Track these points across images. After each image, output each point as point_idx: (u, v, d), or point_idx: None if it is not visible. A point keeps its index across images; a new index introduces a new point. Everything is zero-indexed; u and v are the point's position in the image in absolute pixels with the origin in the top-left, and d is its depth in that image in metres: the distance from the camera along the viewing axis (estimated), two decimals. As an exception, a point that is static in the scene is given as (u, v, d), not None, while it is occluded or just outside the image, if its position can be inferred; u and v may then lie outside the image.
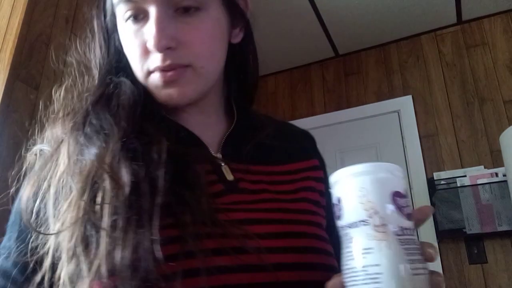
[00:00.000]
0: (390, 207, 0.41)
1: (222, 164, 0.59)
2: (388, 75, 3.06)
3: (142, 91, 0.57)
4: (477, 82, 2.76)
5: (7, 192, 0.59)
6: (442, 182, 2.57)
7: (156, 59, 0.54)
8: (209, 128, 0.64)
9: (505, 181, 2.35)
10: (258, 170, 0.62)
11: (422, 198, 2.63)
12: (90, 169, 0.49)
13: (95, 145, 0.51)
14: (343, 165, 0.41)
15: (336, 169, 0.44)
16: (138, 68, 0.57)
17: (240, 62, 0.67)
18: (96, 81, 0.60)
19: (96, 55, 0.62)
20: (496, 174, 2.45)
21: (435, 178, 2.61)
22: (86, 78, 0.61)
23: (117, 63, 0.61)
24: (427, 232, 2.54)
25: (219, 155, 0.61)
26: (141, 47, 0.55)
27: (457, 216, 2.44)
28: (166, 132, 0.54)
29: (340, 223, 0.43)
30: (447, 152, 2.69)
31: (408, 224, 0.43)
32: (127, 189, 0.47)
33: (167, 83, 0.55)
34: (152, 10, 0.54)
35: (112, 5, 0.58)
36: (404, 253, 0.39)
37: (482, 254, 2.41)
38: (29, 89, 1.64)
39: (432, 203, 2.55)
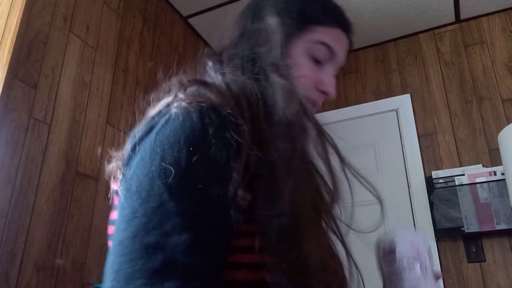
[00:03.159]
0: (427, 257, 0.65)
1: None
2: (386, 73, 3.07)
3: None
4: (475, 80, 2.77)
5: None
6: (441, 180, 2.58)
7: (319, 96, 0.72)
8: None
9: (503, 179, 2.36)
10: None
11: (420, 197, 2.63)
12: None
13: None
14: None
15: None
16: (299, 86, 0.67)
17: None
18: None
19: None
20: (495, 173, 2.45)
21: (433, 176, 2.62)
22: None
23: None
24: (426, 231, 2.55)
25: None
26: (313, 81, 0.71)
27: (455, 215, 2.45)
28: None
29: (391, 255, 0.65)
30: (446, 151, 2.70)
31: (432, 268, 0.65)
32: None
33: (312, 102, 0.72)
34: (334, 70, 0.75)
35: (299, 26, 0.71)
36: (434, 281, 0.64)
37: (480, 252, 2.42)
38: (28, 88, 1.64)
39: (431, 202, 2.55)
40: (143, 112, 0.63)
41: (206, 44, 3.07)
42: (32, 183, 1.59)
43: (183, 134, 0.50)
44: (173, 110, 0.53)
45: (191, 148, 0.48)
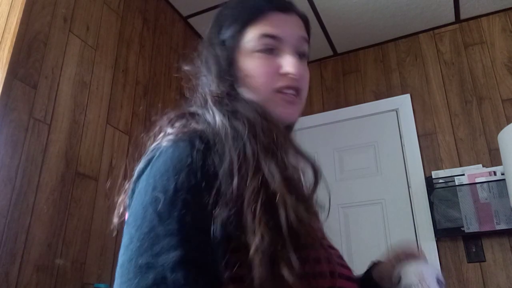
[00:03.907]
0: (435, 283, 0.69)
1: None
2: (386, 73, 3.07)
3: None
4: (475, 80, 2.77)
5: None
6: (441, 180, 2.58)
7: (285, 80, 0.72)
8: None
9: (503, 179, 2.36)
10: None
11: (420, 197, 2.63)
12: None
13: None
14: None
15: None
16: (264, 86, 0.72)
17: None
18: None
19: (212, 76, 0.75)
20: (494, 173, 2.45)
21: (433, 176, 2.62)
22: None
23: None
24: (426, 231, 2.55)
25: None
26: (272, 71, 0.72)
27: (455, 215, 2.45)
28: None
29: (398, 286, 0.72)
30: (445, 151, 2.70)
31: None
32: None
33: (288, 102, 0.72)
34: (289, 50, 0.74)
35: (234, 39, 0.75)
36: None
37: (480, 252, 2.42)
38: (27, 88, 1.64)
39: (430, 202, 2.55)
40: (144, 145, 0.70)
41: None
42: (32, 183, 1.59)
43: (172, 164, 0.56)
44: (164, 143, 0.60)
45: (177, 176, 0.54)
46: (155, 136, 0.66)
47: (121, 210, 0.68)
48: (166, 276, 0.48)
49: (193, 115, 0.67)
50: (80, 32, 1.96)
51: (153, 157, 0.60)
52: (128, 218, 0.56)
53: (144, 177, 0.58)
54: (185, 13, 2.83)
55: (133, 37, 2.33)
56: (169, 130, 0.63)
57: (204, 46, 0.79)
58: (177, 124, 0.64)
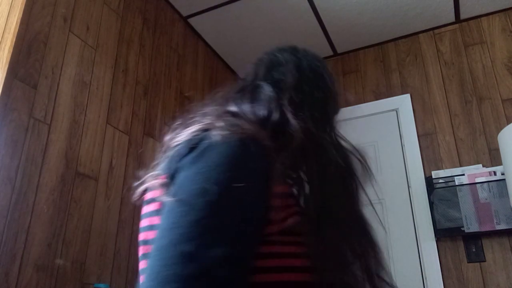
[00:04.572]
0: None
1: None
2: (386, 73, 3.07)
3: None
4: (475, 80, 2.77)
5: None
6: (441, 180, 2.58)
7: None
8: None
9: (503, 179, 2.36)
10: None
11: (420, 197, 2.63)
12: None
13: None
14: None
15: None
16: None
17: None
18: None
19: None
20: (494, 173, 2.45)
21: (433, 176, 2.62)
22: None
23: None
24: (426, 231, 2.55)
25: None
26: None
27: (455, 215, 2.45)
28: None
29: None
30: (446, 151, 2.70)
31: None
32: None
33: None
34: None
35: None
36: None
37: (480, 252, 2.42)
38: (27, 88, 1.64)
39: (431, 202, 2.55)
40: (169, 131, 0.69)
41: (206, 44, 3.07)
42: (32, 183, 1.59)
43: (226, 159, 0.56)
44: (215, 136, 0.59)
45: (231, 172, 0.54)
46: (186, 126, 0.66)
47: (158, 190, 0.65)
48: (210, 270, 0.47)
49: (239, 116, 0.68)
50: (80, 32, 1.96)
51: (196, 146, 0.59)
52: (171, 203, 0.55)
53: (189, 164, 0.58)
54: (185, 13, 2.82)
55: (133, 37, 2.33)
56: (218, 123, 0.61)
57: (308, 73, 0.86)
58: (227, 119, 0.63)
